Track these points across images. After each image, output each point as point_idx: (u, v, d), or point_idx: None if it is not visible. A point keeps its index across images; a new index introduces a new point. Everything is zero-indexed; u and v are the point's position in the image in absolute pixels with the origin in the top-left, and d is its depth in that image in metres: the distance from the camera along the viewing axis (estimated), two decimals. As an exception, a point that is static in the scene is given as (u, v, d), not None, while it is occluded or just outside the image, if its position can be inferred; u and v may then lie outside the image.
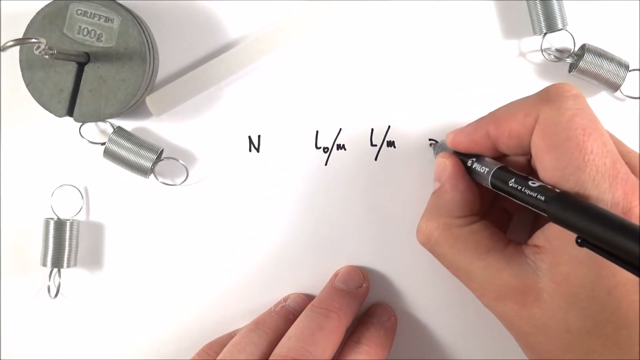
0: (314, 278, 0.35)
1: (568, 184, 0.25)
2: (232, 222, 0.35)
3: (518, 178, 0.27)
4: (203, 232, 0.35)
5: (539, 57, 0.35)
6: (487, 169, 0.29)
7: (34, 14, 0.32)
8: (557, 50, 0.35)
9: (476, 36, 0.35)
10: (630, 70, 0.33)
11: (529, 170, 0.29)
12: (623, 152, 0.27)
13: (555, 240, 0.26)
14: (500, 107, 0.29)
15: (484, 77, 0.35)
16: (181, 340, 0.35)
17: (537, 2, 0.33)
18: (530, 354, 0.28)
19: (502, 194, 0.28)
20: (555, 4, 0.33)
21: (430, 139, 0.35)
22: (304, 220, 0.35)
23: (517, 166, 0.29)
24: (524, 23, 0.35)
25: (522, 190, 0.26)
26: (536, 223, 0.32)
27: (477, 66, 0.35)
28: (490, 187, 0.29)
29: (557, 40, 0.35)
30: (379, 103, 0.35)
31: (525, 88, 0.35)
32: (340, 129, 0.35)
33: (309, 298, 0.34)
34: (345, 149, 0.35)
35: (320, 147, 0.35)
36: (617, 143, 0.28)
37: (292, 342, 0.30)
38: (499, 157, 0.30)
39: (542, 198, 0.25)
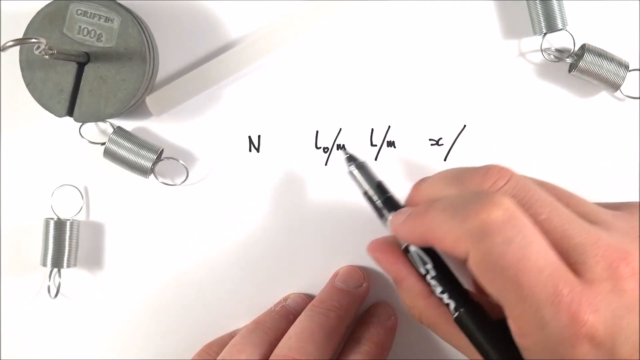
0: (314, 278, 0.35)
1: (513, 315, 0.23)
2: (232, 222, 0.35)
3: (428, 269, 0.26)
4: (203, 232, 0.35)
5: (539, 57, 0.35)
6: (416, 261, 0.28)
7: (34, 14, 0.32)
8: (557, 50, 0.35)
9: (476, 36, 0.35)
10: (630, 70, 0.33)
11: None
12: (565, 236, 0.24)
13: None
14: (431, 215, 0.25)
15: (484, 77, 0.35)
16: (181, 340, 0.35)
17: (537, 2, 0.33)
18: None
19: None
20: (555, 4, 0.33)
21: (430, 139, 0.35)
22: (304, 220, 0.35)
23: None
24: (524, 23, 0.35)
25: (432, 285, 0.26)
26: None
27: (477, 66, 0.35)
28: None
29: (557, 40, 0.35)
30: (379, 103, 0.35)
31: (525, 88, 0.35)
32: (340, 129, 0.35)
33: (309, 298, 0.34)
34: (345, 149, 0.35)
35: (320, 147, 0.35)
36: (576, 204, 0.26)
37: (293, 342, 0.30)
38: None
39: (450, 308, 0.26)
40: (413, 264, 0.27)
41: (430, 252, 0.27)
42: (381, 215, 0.29)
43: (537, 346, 0.22)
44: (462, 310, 0.25)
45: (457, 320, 0.25)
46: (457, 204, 0.25)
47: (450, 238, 0.24)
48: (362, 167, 0.30)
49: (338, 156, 0.35)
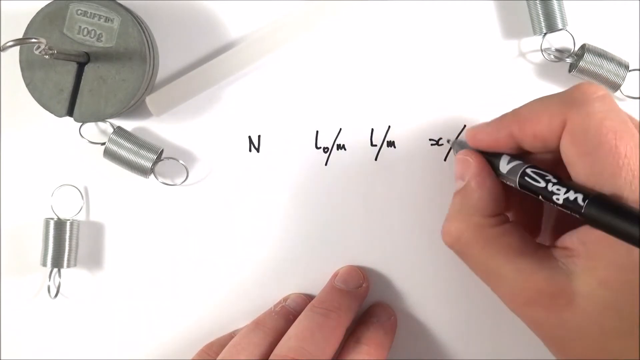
0: (314, 278, 0.35)
1: (604, 190, 0.24)
2: (232, 222, 0.35)
3: (549, 179, 0.26)
4: (203, 232, 0.35)
5: (539, 57, 0.35)
6: (513, 169, 0.28)
7: (34, 14, 0.32)
8: (557, 50, 0.35)
9: (476, 36, 0.35)
10: (630, 70, 0.33)
11: (554, 167, 0.28)
12: None
13: (592, 244, 0.25)
14: (524, 106, 0.28)
15: (484, 77, 0.35)
16: (181, 340, 0.35)
17: (537, 2, 0.33)
18: (562, 357, 0.28)
19: (531, 194, 0.27)
20: (555, 4, 0.33)
21: (430, 139, 0.35)
22: (304, 220, 0.35)
23: (542, 163, 0.28)
24: (524, 23, 0.35)
25: (555, 192, 0.25)
26: (560, 223, 0.31)
27: (477, 66, 0.35)
28: (518, 187, 0.28)
29: (557, 40, 0.35)
30: (379, 103, 0.35)
31: (525, 88, 0.35)
32: (340, 129, 0.35)
33: (309, 298, 0.34)
34: (345, 149, 0.35)
35: (320, 147, 0.35)
36: None
37: (292, 342, 0.30)
38: (522, 153, 0.29)
39: (578, 201, 0.24)
40: (530, 186, 0.27)
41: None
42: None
43: None
44: (591, 195, 0.24)
45: (589, 208, 0.24)
46: (553, 93, 0.27)
47: (546, 114, 0.26)
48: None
49: (338, 156, 0.35)
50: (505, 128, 0.28)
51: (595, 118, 0.24)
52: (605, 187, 0.24)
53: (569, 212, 0.25)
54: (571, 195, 0.25)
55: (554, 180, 0.26)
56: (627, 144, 0.24)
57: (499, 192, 0.29)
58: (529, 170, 0.27)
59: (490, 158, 0.30)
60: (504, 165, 0.29)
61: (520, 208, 0.32)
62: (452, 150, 0.34)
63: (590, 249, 0.25)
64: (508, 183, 0.29)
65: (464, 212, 0.29)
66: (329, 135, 0.35)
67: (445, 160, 0.35)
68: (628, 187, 0.23)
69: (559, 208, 0.26)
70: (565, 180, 0.26)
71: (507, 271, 0.27)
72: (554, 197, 0.26)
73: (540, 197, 0.27)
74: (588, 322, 0.25)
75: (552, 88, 0.35)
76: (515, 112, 0.28)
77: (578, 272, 0.26)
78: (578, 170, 0.25)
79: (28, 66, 0.32)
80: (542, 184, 0.26)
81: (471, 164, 0.29)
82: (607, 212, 0.23)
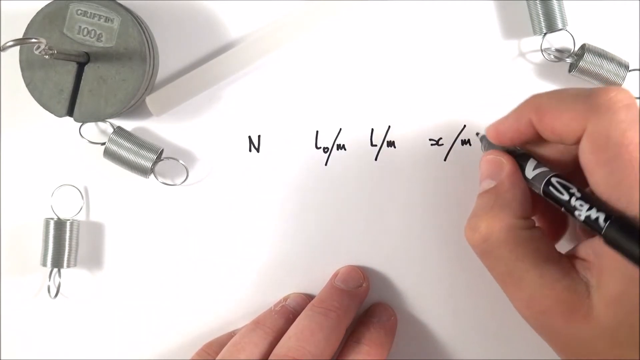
0: (314, 278, 0.35)
1: (620, 203, 0.24)
2: (232, 222, 0.35)
3: (573, 193, 0.26)
4: (203, 232, 0.35)
5: (539, 57, 0.35)
6: (538, 175, 0.28)
7: (34, 14, 0.32)
8: (557, 50, 0.35)
9: (476, 36, 0.35)
10: (630, 70, 0.33)
11: (575, 166, 0.28)
12: None
13: (606, 258, 0.25)
14: (544, 97, 0.27)
15: (484, 77, 0.35)
16: (181, 340, 0.35)
17: (537, 2, 0.33)
18: None
19: (554, 203, 0.27)
20: (555, 4, 0.33)
21: (430, 139, 0.35)
22: (304, 220, 0.35)
23: (563, 164, 0.28)
24: (524, 23, 0.35)
25: (577, 207, 0.25)
26: (583, 230, 0.31)
27: (477, 66, 0.35)
28: (542, 195, 0.28)
29: (557, 40, 0.35)
30: (379, 103, 0.35)
31: (525, 88, 0.35)
32: (340, 129, 0.35)
33: (309, 298, 0.34)
34: (345, 149, 0.35)
35: (320, 147, 0.35)
36: None
37: (292, 341, 0.30)
38: (547, 160, 0.29)
39: (599, 221, 0.24)
40: (553, 196, 0.27)
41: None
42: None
43: None
44: (613, 217, 0.24)
45: (609, 230, 0.24)
46: (578, 89, 0.26)
47: (567, 114, 0.25)
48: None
49: (338, 156, 0.35)
50: (524, 116, 0.28)
51: (618, 127, 0.24)
52: (622, 199, 0.24)
53: (590, 229, 0.25)
54: (593, 214, 0.24)
55: (578, 195, 0.26)
56: None
57: (529, 195, 0.29)
58: (554, 180, 0.27)
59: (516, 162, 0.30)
60: (530, 171, 0.28)
61: (543, 214, 0.31)
62: (481, 145, 0.33)
63: (604, 263, 0.25)
64: (532, 189, 0.29)
65: (497, 211, 0.28)
66: (329, 135, 0.35)
67: (445, 160, 0.35)
68: None
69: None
70: (588, 194, 0.26)
71: (531, 276, 0.27)
72: (576, 213, 0.25)
73: (562, 208, 0.26)
74: (603, 335, 0.25)
75: (552, 88, 0.35)
76: (534, 101, 0.27)
77: (595, 285, 0.25)
78: (596, 178, 0.25)
79: (28, 66, 0.32)
80: (566, 197, 0.26)
81: (504, 164, 0.29)
82: (627, 237, 0.23)
